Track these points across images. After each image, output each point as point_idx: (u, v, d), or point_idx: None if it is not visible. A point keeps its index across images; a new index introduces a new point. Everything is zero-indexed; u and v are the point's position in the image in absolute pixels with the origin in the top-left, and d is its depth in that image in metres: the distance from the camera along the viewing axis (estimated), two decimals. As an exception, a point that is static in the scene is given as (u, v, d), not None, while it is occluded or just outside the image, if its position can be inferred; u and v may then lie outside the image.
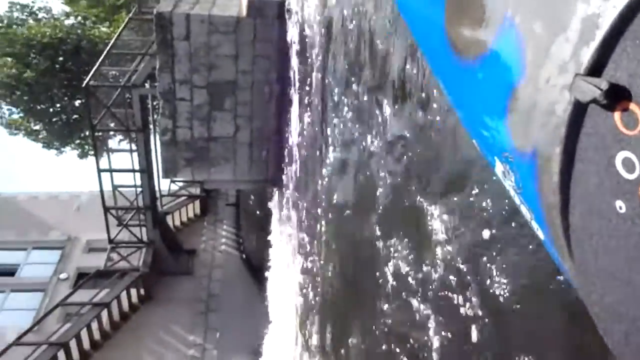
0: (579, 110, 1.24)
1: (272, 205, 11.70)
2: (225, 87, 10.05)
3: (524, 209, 1.64)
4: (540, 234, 1.56)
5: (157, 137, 13.45)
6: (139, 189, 12.72)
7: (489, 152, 1.82)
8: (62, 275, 14.24)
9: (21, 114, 21.88)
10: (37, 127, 22.28)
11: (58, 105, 21.99)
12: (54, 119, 22.11)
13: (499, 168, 1.72)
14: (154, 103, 13.74)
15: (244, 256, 14.95)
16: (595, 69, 1.19)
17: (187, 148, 10.23)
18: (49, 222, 15.85)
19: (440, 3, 2.04)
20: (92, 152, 21.63)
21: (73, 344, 11.43)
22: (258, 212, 13.78)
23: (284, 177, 10.45)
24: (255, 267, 13.99)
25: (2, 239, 15.35)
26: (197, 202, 16.25)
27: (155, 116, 13.01)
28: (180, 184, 16.33)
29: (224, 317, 13.04)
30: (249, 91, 10.22)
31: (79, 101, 21.73)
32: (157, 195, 13.66)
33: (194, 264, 14.55)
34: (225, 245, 15.37)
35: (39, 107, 21.51)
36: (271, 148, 10.63)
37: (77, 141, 22.98)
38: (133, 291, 13.06)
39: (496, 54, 1.61)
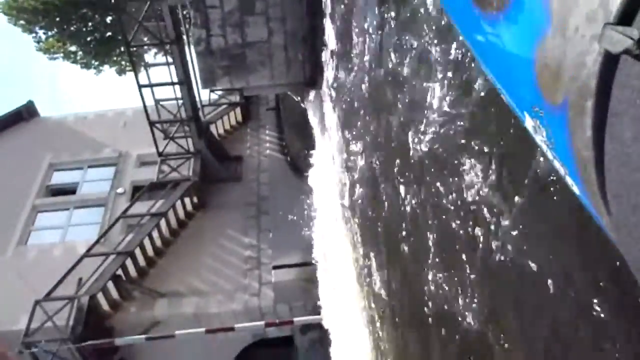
0: (610, 62, 1.18)
1: (311, 105, 11.70)
2: (255, -11, 9.81)
3: (557, 165, 1.59)
4: (576, 189, 1.52)
5: (192, 47, 13.44)
6: (180, 101, 12.91)
7: (518, 107, 1.77)
8: (119, 190, 14.89)
9: (56, 37, 22.02)
10: (73, 49, 22.47)
11: (90, 24, 21.98)
12: (89, 39, 22.21)
13: (529, 123, 1.67)
14: (184, 13, 13.58)
15: (288, 158, 15.23)
16: (626, 17, 1.12)
17: (222, 56, 10.19)
18: (99, 141, 16.33)
19: None
20: (130, 68, 21.92)
21: (138, 252, 12.18)
22: (298, 114, 13.83)
23: (322, 77, 10.39)
24: (300, 168, 14.28)
25: (59, 160, 16.07)
26: (238, 110, 16.41)
27: (187, 26, 12.90)
28: (220, 92, 16.44)
29: (275, 217, 13.53)
30: (279, -9, 9.96)
31: (110, 18, 21.65)
32: (199, 105, 13.82)
33: (241, 169, 14.97)
34: (269, 150, 15.64)
35: (72, 29, 21.59)
36: (306, 49, 10.48)
37: (114, 58, 23.14)
38: (187, 200, 13.62)
39: (520, 3, 1.54)
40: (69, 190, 15.47)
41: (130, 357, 12.51)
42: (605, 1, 1.17)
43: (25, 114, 17.23)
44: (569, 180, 1.54)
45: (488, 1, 1.75)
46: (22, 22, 20.98)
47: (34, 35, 21.92)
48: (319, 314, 10.86)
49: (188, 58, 12.44)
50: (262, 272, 12.50)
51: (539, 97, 1.50)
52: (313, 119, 12.06)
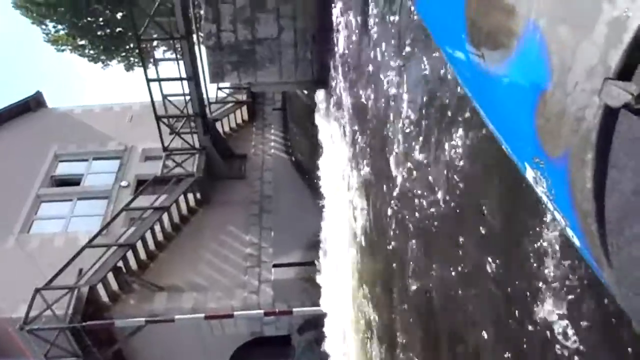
0: (609, 115, 1.20)
1: (319, 104, 11.74)
2: (267, -14, 9.88)
3: (558, 216, 1.58)
4: (576, 241, 1.51)
5: (201, 44, 13.50)
6: (188, 97, 12.96)
7: (519, 158, 1.77)
8: (123, 183, 14.93)
9: (66, 30, 22.17)
10: (82, 42, 22.61)
11: (101, 19, 22.13)
12: (98, 33, 22.34)
13: (529, 174, 1.67)
14: (194, 11, 13.65)
15: (293, 158, 15.27)
16: (625, 72, 1.14)
17: (232, 52, 10.26)
18: (105, 134, 16.38)
19: (461, 8, 1.96)
20: (138, 64, 22.00)
21: (139, 244, 12.21)
22: (304, 115, 13.88)
23: (330, 76, 10.43)
24: (304, 168, 14.32)
25: (64, 152, 16.14)
26: (245, 108, 16.46)
27: (197, 25, 12.98)
28: (227, 90, 16.51)
29: (277, 216, 13.56)
30: (290, -11, 10.03)
31: (120, 14, 21.78)
32: (206, 102, 13.88)
33: (246, 167, 15.00)
34: (274, 149, 15.68)
35: (82, 23, 21.72)
36: (315, 48, 10.53)
37: (122, 54, 23.25)
38: (190, 195, 13.66)
39: (521, 58, 1.56)
40: (73, 181, 15.53)
41: (128, 350, 12.54)
42: (604, 57, 1.19)
43: (33, 104, 17.31)
44: (569, 232, 1.53)
45: (489, 54, 1.77)
46: (33, 14, 21.12)
47: (43, 27, 22.08)
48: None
49: (197, 54, 12.50)
50: (262, 270, 12.51)
51: (540, 148, 1.51)
52: (321, 119, 12.09)
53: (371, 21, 6.96)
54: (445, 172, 4.06)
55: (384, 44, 6.36)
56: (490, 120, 2.05)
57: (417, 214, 4.85)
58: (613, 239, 1.27)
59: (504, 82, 1.68)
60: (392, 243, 5.85)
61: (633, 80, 1.13)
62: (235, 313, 11.37)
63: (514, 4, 1.59)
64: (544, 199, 1.62)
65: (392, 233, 5.90)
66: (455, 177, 3.87)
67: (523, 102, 1.55)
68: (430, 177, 4.49)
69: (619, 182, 1.21)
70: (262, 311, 11.45)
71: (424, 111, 4.64)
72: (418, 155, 4.82)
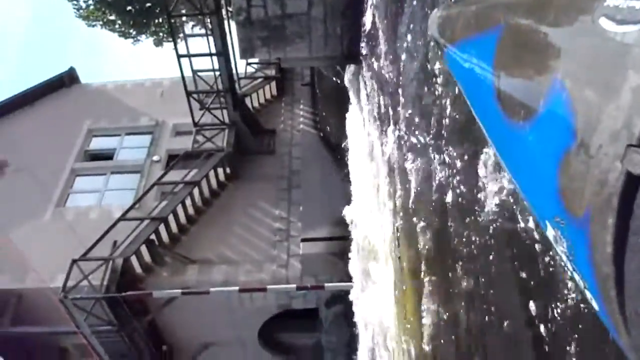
0: (631, 181, 1.19)
1: (348, 80, 11.70)
2: (297, -40, 9.80)
3: (577, 277, 1.56)
4: (595, 305, 1.49)
5: (231, 20, 13.51)
6: (217, 73, 13.04)
7: (540, 216, 1.77)
8: (155, 158, 15.19)
9: (96, 5, 22.36)
10: (112, 17, 22.80)
11: (130, -7, 22.25)
12: (128, 8, 22.48)
13: (550, 232, 1.66)
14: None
15: (321, 134, 15.30)
16: None
17: (262, 27, 10.25)
18: (137, 109, 16.61)
19: (489, 67, 1.97)
20: (168, 39, 22.12)
21: (171, 218, 12.48)
22: (333, 91, 13.85)
23: (360, 52, 10.37)
24: (332, 144, 14.35)
25: (98, 126, 16.45)
26: (274, 84, 16.50)
27: (225, 0, 13.00)
28: (256, 66, 16.54)
29: (306, 192, 13.68)
30: (321, -37, 9.94)
31: (150, -12, 21.87)
32: (235, 78, 13.95)
33: (275, 143, 15.10)
34: (303, 125, 15.73)
35: (112, -3, 21.90)
36: (345, 23, 10.46)
37: (152, 29, 23.39)
38: (220, 170, 13.85)
39: (547, 117, 1.55)
40: (106, 155, 15.85)
41: (161, 320, 12.93)
42: (628, 122, 1.18)
43: (67, 80, 17.62)
44: (588, 294, 1.52)
45: (516, 110, 1.77)
46: (65, -11, 21.35)
47: (74, 2, 22.31)
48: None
49: (226, 30, 12.53)
50: (291, 245, 12.69)
51: (561, 207, 1.50)
52: (350, 95, 12.05)
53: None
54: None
55: (413, 24, 6.31)
56: (514, 176, 2.07)
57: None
58: (631, 305, 1.27)
59: (529, 140, 1.69)
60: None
61: None
62: (268, 287, 11.57)
63: (542, 62, 1.60)
64: (564, 258, 1.62)
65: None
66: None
67: (547, 160, 1.55)
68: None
69: (638, 250, 1.21)
70: (294, 285, 11.63)
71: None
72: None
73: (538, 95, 1.60)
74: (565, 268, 1.69)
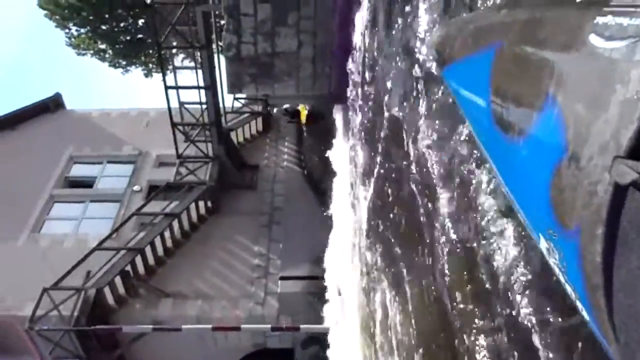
0: (619, 192, 1.22)
1: (335, 119, 11.79)
2: (289, 1, 9.96)
3: (568, 289, 1.59)
4: (585, 315, 1.52)
5: (221, 54, 13.62)
6: (204, 106, 13.06)
7: (534, 228, 1.81)
8: (136, 187, 15.00)
9: (88, 34, 22.48)
10: (103, 47, 22.91)
11: (122, 24, 22.43)
12: (119, 39, 22.63)
13: (543, 245, 1.70)
14: (215, 22, 13.81)
15: (305, 172, 15.30)
16: (635, 151, 1.17)
17: (251, 63, 10.35)
18: (121, 138, 16.49)
19: (485, 83, 2.04)
20: (157, 71, 22.24)
21: (148, 250, 12.23)
22: (319, 129, 13.94)
23: (347, 92, 10.49)
24: (316, 182, 14.34)
25: (80, 153, 16.28)
26: (260, 119, 16.57)
27: (217, 35, 13.12)
28: (243, 101, 16.63)
29: (287, 229, 13.57)
30: (313, 6, 10.10)
31: (142, 20, 22.08)
32: (222, 112, 13.98)
33: (257, 178, 15.05)
34: (287, 162, 15.74)
35: (104, 27, 22.04)
36: (334, 64, 10.60)
37: (143, 59, 23.50)
38: (201, 203, 13.71)
39: (539, 131, 1.60)
40: (86, 183, 15.63)
41: (130, 355, 12.54)
42: (616, 134, 1.22)
43: (52, 105, 17.50)
44: (579, 305, 1.54)
45: (509, 125, 1.82)
46: (57, 17, 21.45)
47: (66, 31, 22.40)
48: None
49: (215, 64, 12.62)
50: (269, 282, 12.51)
51: (553, 220, 1.53)
52: (335, 135, 12.14)
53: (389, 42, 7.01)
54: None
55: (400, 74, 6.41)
56: (508, 189, 2.10)
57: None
58: (620, 314, 1.29)
59: (522, 154, 1.73)
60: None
61: None
62: (242, 326, 11.32)
63: (535, 78, 1.64)
64: (556, 270, 1.64)
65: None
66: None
67: (540, 173, 1.59)
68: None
69: (627, 259, 1.24)
70: (269, 326, 11.41)
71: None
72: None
73: (531, 110, 1.64)
74: (557, 280, 1.67)
